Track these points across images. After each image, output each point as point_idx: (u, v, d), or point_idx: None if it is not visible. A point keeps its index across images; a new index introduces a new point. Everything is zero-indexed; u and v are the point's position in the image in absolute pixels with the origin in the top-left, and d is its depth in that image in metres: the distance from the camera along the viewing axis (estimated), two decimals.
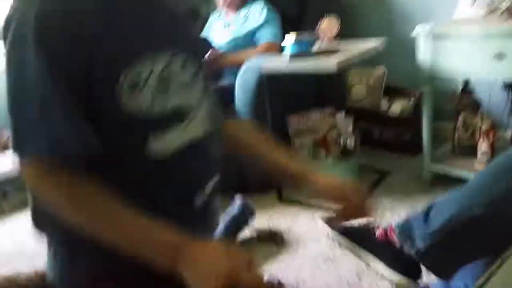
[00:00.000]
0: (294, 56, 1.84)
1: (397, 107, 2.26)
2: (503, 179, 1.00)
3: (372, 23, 2.45)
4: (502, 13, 1.73)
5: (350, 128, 2.04)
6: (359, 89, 2.29)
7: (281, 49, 1.95)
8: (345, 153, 2.01)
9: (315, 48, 1.91)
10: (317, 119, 2.06)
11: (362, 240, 1.18)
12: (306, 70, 1.84)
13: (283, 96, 2.03)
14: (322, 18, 1.97)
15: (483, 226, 1.00)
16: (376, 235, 1.17)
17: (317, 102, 2.13)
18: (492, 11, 1.78)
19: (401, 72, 2.20)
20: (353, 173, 2.00)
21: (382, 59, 2.16)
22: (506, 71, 1.63)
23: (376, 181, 2.05)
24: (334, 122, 2.05)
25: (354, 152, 2.03)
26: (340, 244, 1.23)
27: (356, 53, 1.87)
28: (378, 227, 1.20)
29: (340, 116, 2.07)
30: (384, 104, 2.29)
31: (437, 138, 2.01)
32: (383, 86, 2.30)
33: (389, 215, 1.75)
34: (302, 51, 1.84)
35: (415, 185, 1.98)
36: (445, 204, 1.07)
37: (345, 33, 2.02)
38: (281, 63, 1.90)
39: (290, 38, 1.85)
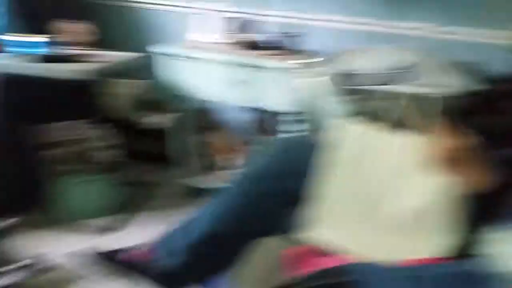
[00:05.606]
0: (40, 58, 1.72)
1: (155, 119, 2.24)
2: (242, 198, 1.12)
3: (123, 36, 2.32)
4: (242, 44, 1.89)
5: (109, 141, 1.92)
6: (116, 100, 2.22)
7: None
8: (105, 168, 1.90)
9: (65, 52, 1.80)
10: (69, 131, 1.89)
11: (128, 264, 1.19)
12: (55, 74, 1.68)
13: (25, 103, 1.81)
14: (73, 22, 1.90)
15: (226, 242, 1.12)
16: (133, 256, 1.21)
17: (68, 112, 1.92)
18: (234, 41, 1.92)
19: (158, 85, 2.11)
20: (109, 190, 1.90)
21: (140, 73, 2.14)
22: (245, 97, 1.81)
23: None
24: (89, 134, 1.90)
25: (115, 167, 1.92)
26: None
27: (112, 63, 1.83)
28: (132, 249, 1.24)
29: (96, 128, 1.91)
30: (142, 117, 2.23)
31: (196, 152, 2.12)
32: (142, 98, 2.24)
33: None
34: (51, 54, 1.73)
35: (172, 197, 2.05)
36: (200, 218, 1.15)
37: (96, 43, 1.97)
38: (25, 64, 1.72)
39: (37, 38, 1.74)
